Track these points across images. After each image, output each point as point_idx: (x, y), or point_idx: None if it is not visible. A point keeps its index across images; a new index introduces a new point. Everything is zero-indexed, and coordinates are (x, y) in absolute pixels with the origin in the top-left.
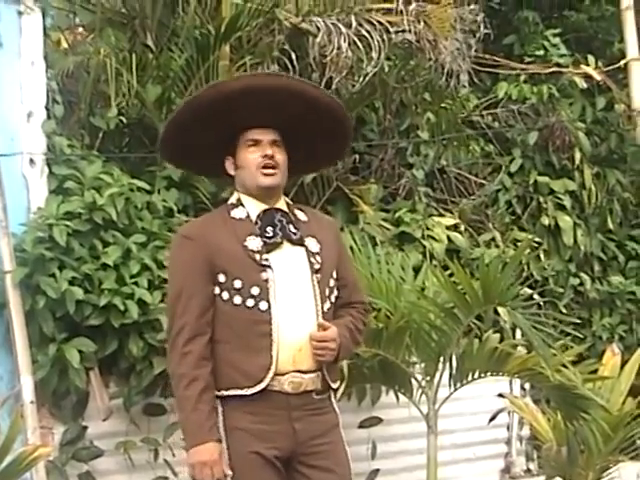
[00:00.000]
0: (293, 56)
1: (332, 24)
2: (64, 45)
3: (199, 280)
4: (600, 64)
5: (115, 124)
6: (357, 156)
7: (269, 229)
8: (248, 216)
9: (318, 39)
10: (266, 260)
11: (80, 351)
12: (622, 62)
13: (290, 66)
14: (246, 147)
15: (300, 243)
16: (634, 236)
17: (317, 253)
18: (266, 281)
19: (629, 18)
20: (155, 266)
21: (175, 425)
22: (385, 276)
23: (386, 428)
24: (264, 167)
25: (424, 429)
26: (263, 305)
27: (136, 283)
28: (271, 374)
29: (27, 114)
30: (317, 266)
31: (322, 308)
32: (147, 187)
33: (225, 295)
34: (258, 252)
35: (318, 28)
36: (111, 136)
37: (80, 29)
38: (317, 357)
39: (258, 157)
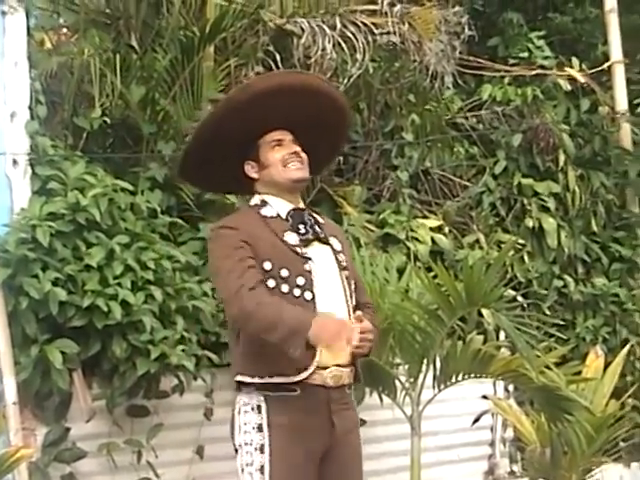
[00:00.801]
0: (278, 57)
1: (317, 25)
2: (48, 45)
3: (250, 257)
4: (584, 66)
5: (99, 124)
6: (341, 158)
7: (301, 226)
8: (278, 214)
9: (302, 40)
10: (306, 253)
11: (63, 352)
12: (606, 64)
13: (275, 67)
14: (271, 147)
15: (326, 242)
16: (618, 238)
17: (341, 251)
18: (310, 272)
19: (613, 20)
20: (138, 267)
21: (158, 427)
22: (369, 277)
23: (370, 430)
24: (293, 162)
25: (408, 431)
26: (308, 295)
27: (119, 284)
28: (315, 363)
29: (10, 114)
30: (344, 263)
31: (351, 303)
32: (131, 188)
33: (271, 283)
34: (298, 246)
35: (302, 29)
36: (95, 137)
37: (64, 29)
38: (356, 349)
39: (285, 154)
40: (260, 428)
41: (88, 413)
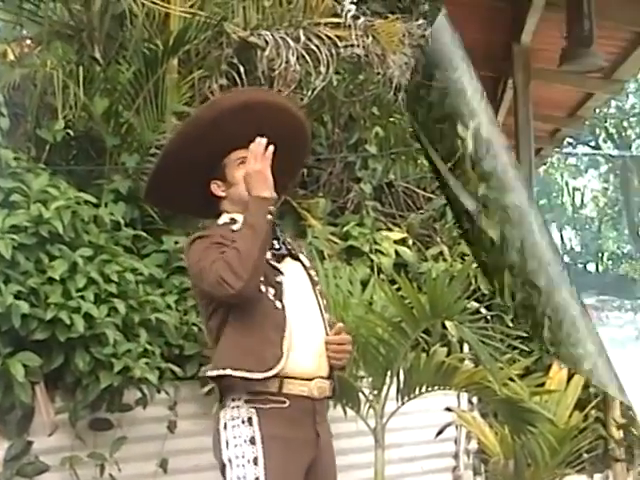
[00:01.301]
0: (241, 70)
1: (280, 38)
2: (11, 57)
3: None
4: None
5: (62, 137)
6: (305, 170)
7: (275, 242)
8: None
9: (266, 53)
10: (277, 267)
11: (25, 365)
12: None
13: (239, 80)
14: (236, 165)
15: (297, 258)
16: None
17: (311, 267)
18: (280, 284)
19: None
20: (102, 280)
21: (121, 440)
22: (333, 290)
23: (334, 442)
24: None
25: (371, 443)
26: (278, 304)
27: (82, 297)
28: (280, 366)
29: None
30: (316, 278)
31: (326, 317)
32: (94, 200)
33: None
34: (271, 260)
35: (266, 42)
36: (58, 149)
37: (27, 41)
38: (335, 361)
39: None
40: (252, 441)
41: (51, 427)
